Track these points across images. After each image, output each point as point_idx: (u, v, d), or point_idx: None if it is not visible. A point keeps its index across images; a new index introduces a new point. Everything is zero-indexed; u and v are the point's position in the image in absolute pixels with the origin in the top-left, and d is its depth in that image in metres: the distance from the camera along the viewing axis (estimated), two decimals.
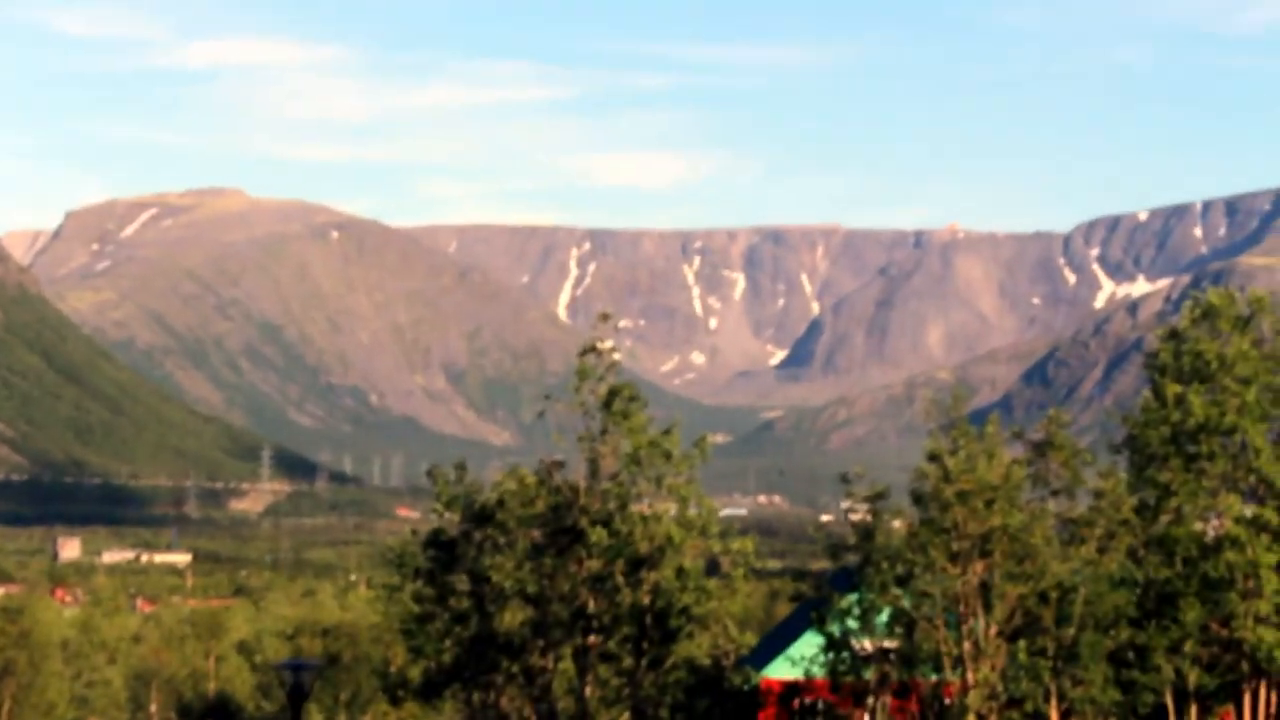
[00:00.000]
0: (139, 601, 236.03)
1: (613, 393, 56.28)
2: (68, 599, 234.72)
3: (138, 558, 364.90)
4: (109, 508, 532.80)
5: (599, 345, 56.81)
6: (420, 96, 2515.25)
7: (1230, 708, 61.61)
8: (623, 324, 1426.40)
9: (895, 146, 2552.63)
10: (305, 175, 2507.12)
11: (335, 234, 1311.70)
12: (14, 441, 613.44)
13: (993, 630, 55.86)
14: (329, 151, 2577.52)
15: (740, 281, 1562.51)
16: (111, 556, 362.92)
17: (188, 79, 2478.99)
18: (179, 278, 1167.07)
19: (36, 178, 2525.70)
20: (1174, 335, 64.22)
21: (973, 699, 55.12)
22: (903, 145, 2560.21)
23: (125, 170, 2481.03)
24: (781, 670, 63.40)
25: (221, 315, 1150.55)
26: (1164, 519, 60.82)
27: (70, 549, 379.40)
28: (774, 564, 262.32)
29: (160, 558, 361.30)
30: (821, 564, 64.14)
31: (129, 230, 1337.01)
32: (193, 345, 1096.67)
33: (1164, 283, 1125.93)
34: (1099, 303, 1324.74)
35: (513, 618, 58.79)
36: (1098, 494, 59.10)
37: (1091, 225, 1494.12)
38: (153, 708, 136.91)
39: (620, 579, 56.38)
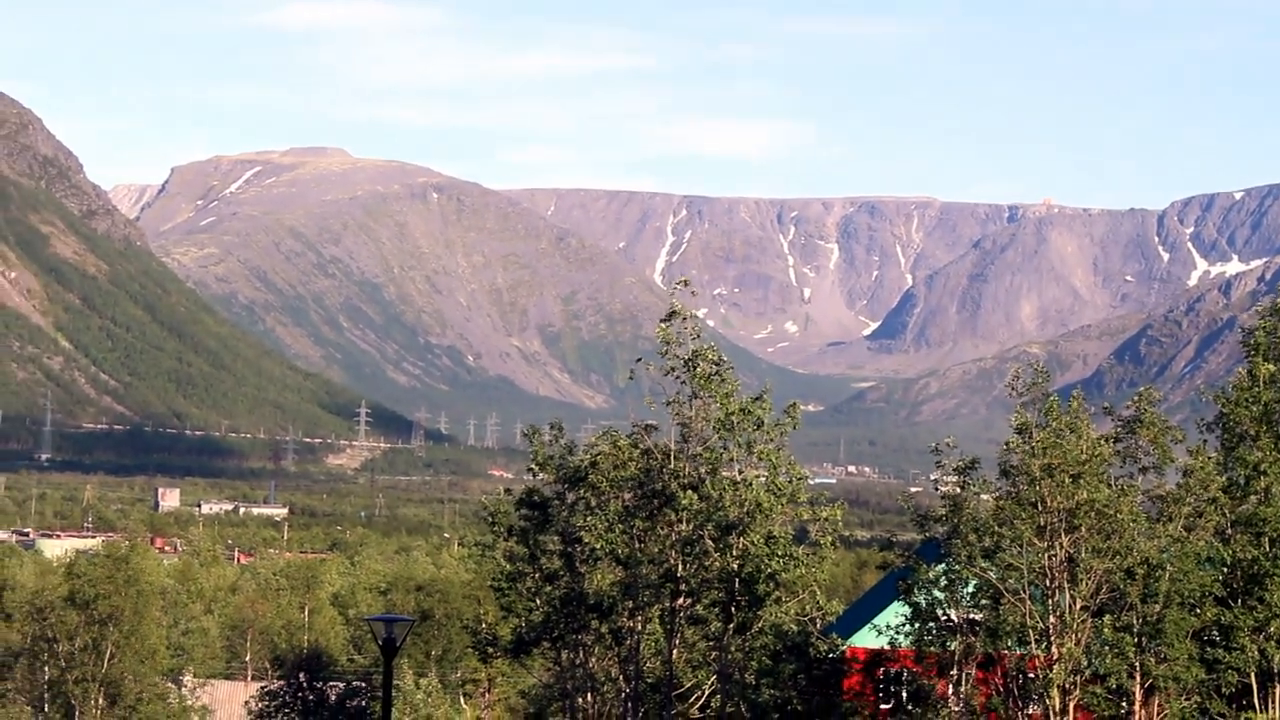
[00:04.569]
0: (236, 553, 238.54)
1: (695, 356, 56.74)
2: (167, 549, 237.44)
3: (235, 510, 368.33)
4: (208, 460, 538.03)
5: (681, 310, 57.27)
6: (519, 62, 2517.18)
7: None
8: (717, 291, 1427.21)
9: (991, 120, 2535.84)
10: (405, 137, 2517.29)
11: (435, 195, 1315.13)
12: (117, 392, 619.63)
13: (1078, 605, 56.09)
14: (428, 114, 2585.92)
15: (835, 252, 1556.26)
16: (210, 508, 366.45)
17: (289, 40, 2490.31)
18: (281, 235, 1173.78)
19: (143, 134, 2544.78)
20: (1275, 312, 64.35)
21: (1057, 673, 55.43)
22: (998, 119, 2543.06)
23: (229, 128, 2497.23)
24: (867, 639, 63.79)
25: (322, 273, 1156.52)
26: (1253, 498, 60.84)
27: (170, 499, 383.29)
28: (862, 534, 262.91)
29: (257, 510, 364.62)
30: (909, 534, 64.31)
31: (232, 187, 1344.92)
32: (293, 302, 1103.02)
33: (1258, 263, 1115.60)
34: (1192, 281, 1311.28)
35: (602, 579, 59.45)
36: (1186, 472, 59.21)
37: (1186, 203, 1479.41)
38: (248, 658, 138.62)
39: (709, 543, 56.90)
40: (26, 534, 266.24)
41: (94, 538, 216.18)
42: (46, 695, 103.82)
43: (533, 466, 61.00)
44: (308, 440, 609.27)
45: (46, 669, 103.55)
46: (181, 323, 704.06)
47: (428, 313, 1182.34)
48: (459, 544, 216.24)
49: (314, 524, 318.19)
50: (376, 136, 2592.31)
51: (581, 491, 59.07)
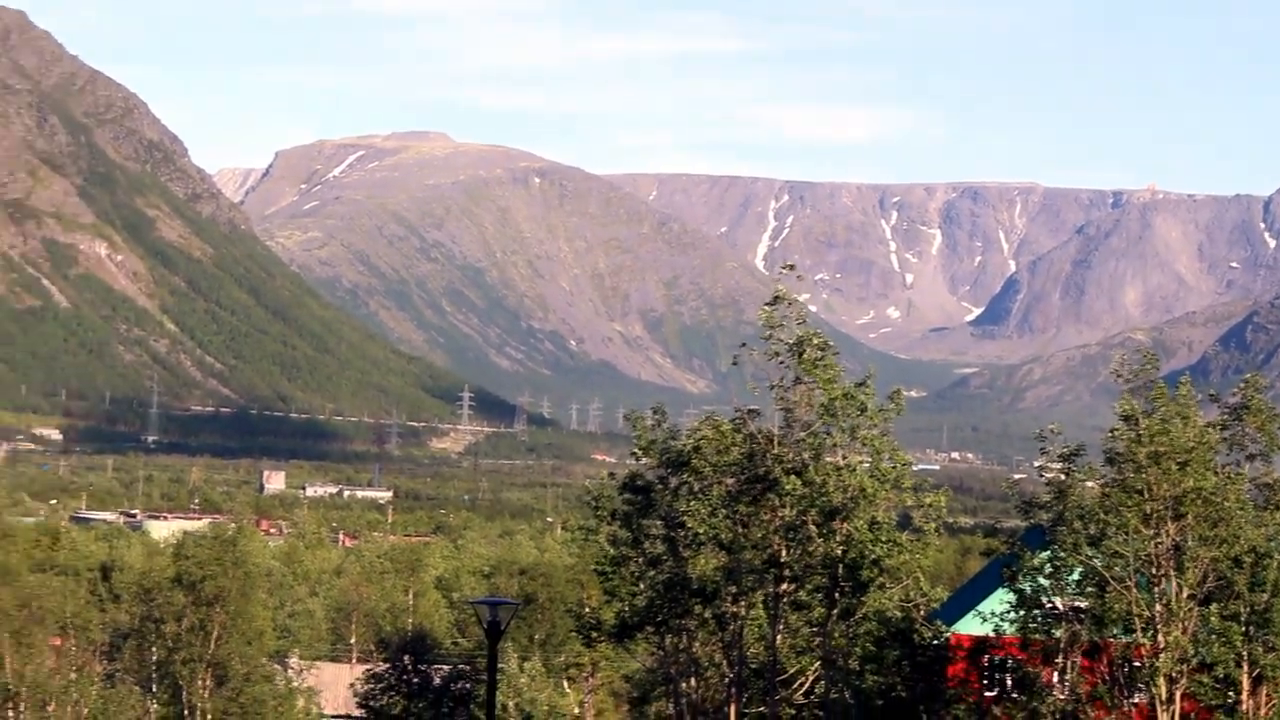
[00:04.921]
0: (341, 536, 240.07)
1: (801, 342, 56.66)
2: (272, 531, 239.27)
3: (340, 493, 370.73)
4: (313, 443, 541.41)
5: (784, 294, 57.18)
6: (621, 45, 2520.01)
7: None
8: (819, 276, 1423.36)
9: (1095, 105, 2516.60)
10: (507, 121, 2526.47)
11: (537, 180, 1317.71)
12: (222, 375, 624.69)
13: (1185, 593, 55.69)
14: (530, 98, 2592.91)
15: (937, 237, 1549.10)
16: (315, 491, 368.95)
17: (393, 23, 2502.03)
18: (384, 219, 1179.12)
19: (248, 118, 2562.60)
20: None
21: (1163, 662, 55.08)
22: (1103, 103, 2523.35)
23: (332, 112, 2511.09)
24: (971, 626, 63.55)
25: (425, 257, 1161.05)
26: None
27: (275, 482, 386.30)
28: (965, 520, 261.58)
29: (362, 494, 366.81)
30: (1012, 521, 63.91)
31: (336, 171, 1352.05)
32: (396, 286, 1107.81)
33: None
34: None
35: (706, 564, 59.41)
36: None
37: None
38: (353, 640, 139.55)
39: (813, 528, 56.84)
40: (134, 515, 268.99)
41: (200, 520, 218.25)
42: (154, 675, 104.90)
43: (636, 451, 60.99)
44: (411, 424, 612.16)
45: (154, 649, 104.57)
46: (286, 306, 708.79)
47: (530, 297, 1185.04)
48: (562, 528, 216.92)
49: (418, 507, 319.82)
50: (478, 120, 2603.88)
51: (684, 476, 59.05)
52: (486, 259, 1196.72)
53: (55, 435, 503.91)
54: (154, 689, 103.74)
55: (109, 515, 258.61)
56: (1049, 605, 57.92)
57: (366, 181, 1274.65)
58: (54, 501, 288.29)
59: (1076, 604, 57.46)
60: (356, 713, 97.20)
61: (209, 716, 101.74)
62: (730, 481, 58.07)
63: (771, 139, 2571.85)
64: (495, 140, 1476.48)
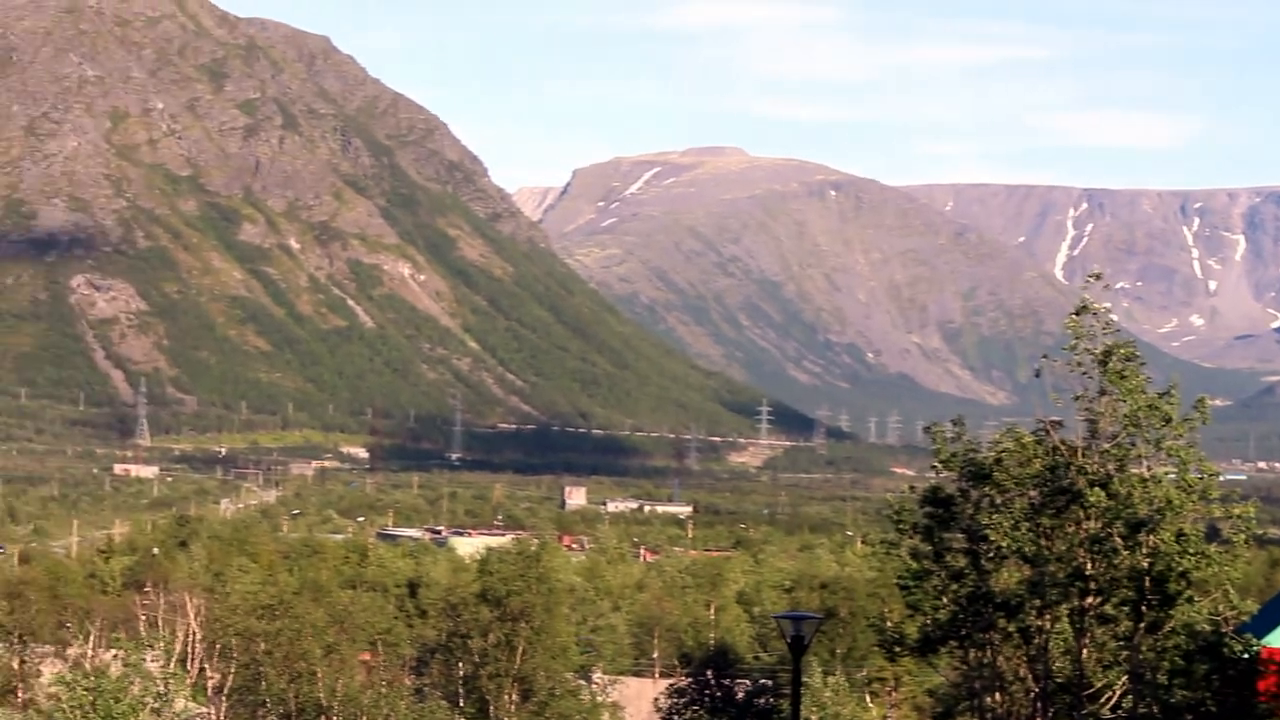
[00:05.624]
0: (642, 551, 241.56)
1: (1109, 352, 55.91)
2: (574, 546, 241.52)
3: (640, 508, 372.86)
4: (612, 458, 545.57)
5: (1090, 304, 56.44)
6: (915, 56, 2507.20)
7: None
8: (1120, 285, 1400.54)
9: None
10: (802, 134, 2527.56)
11: (833, 192, 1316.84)
12: (523, 392, 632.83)
13: None
14: (824, 111, 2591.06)
15: (1241, 243, 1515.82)
16: (615, 506, 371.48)
17: (684, 38, 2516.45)
18: (681, 234, 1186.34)
19: (545, 136, 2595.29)
20: None
21: None
22: None
23: (629, 129, 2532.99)
24: None
25: (722, 272, 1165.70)
26: None
27: (576, 497, 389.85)
28: (1275, 531, 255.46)
29: (662, 508, 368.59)
30: None
31: (633, 188, 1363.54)
32: (694, 301, 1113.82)
33: None
34: None
35: (1009, 577, 58.82)
36: None
37: None
38: (655, 655, 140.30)
39: (1118, 541, 56.02)
40: (439, 532, 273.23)
41: (503, 536, 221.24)
42: (461, 690, 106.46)
43: (936, 464, 60.59)
44: (710, 439, 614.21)
45: (461, 665, 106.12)
46: (585, 323, 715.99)
47: (827, 310, 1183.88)
48: (862, 541, 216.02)
49: (717, 522, 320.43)
50: (774, 134, 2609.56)
51: (986, 489, 58.53)
52: (783, 273, 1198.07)
53: (362, 453, 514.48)
54: (461, 703, 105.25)
55: (415, 532, 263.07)
56: None
57: (663, 197, 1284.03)
58: (361, 519, 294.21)
59: None
60: None
61: None
62: (1033, 494, 57.43)
63: (1070, 146, 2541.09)
64: (791, 153, 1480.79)
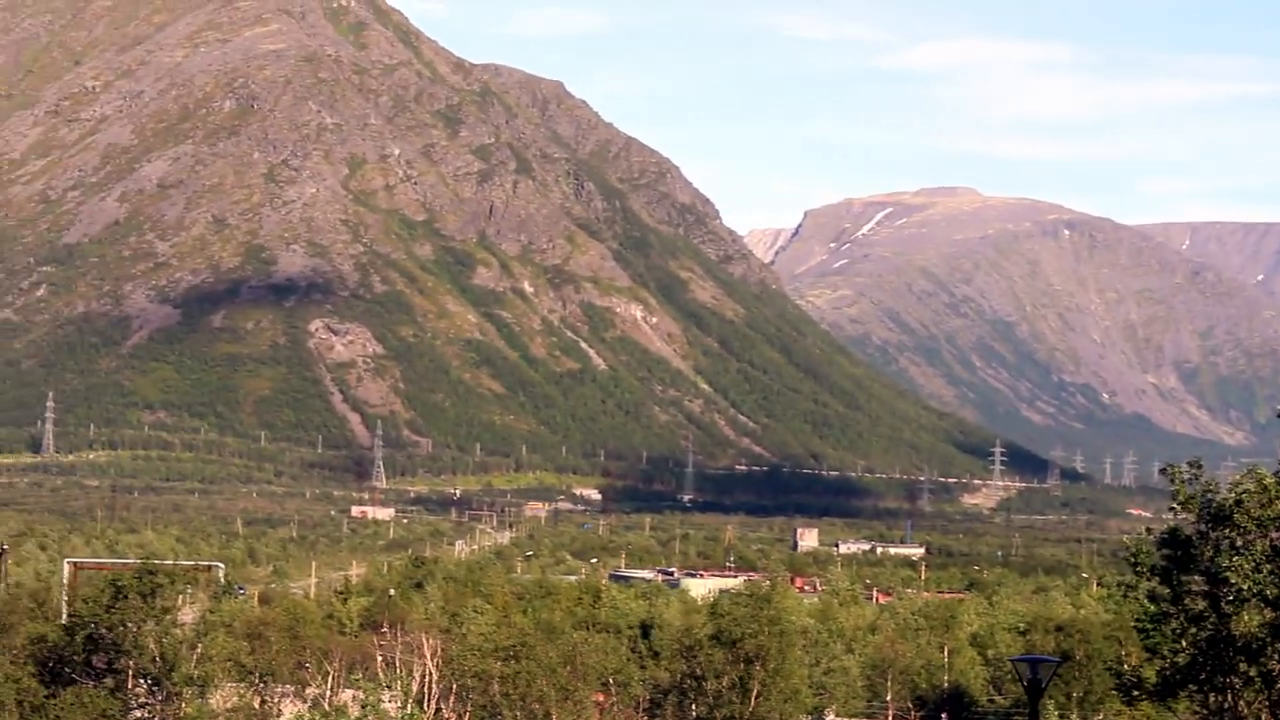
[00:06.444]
0: (874, 592, 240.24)
1: None
2: (806, 588, 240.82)
3: (872, 549, 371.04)
4: (844, 500, 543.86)
5: None
6: (1145, 93, 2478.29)
7: None
8: None
9: None
10: (1034, 173, 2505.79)
11: (1066, 231, 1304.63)
12: (755, 434, 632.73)
13: None
14: (1056, 149, 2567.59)
15: None
16: (847, 547, 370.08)
17: (915, 79, 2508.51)
18: (913, 275, 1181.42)
19: (777, 178, 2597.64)
20: None
21: None
22: None
23: (860, 170, 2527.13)
24: None
25: (954, 312, 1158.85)
26: None
27: (808, 539, 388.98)
28: None
29: (894, 550, 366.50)
30: None
31: (864, 229, 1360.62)
32: (926, 341, 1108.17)
33: None
34: None
35: (1250, 620, 57.79)
36: None
37: None
38: (889, 697, 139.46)
39: None
40: (671, 573, 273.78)
41: (735, 577, 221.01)
42: None
43: (1174, 505, 59.71)
44: (942, 479, 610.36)
45: (695, 707, 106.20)
46: (817, 364, 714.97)
47: (1061, 350, 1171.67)
48: (1098, 583, 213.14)
49: (950, 563, 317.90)
50: (1005, 173, 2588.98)
51: (1225, 531, 57.57)
52: (1016, 312, 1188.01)
53: (594, 495, 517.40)
54: None
55: (647, 573, 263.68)
56: None
57: (895, 238, 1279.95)
58: (594, 560, 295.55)
59: None
60: None
61: None
62: (1275, 536, 56.46)
63: None
64: (1024, 193, 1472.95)
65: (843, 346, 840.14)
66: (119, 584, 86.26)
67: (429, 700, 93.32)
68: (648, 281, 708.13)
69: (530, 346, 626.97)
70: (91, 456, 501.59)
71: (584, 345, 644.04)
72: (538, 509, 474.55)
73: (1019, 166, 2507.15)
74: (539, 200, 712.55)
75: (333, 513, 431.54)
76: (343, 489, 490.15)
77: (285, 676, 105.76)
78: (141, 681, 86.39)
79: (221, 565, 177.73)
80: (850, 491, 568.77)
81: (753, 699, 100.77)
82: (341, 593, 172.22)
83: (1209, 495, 58.55)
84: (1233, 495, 57.45)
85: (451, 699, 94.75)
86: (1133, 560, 61.35)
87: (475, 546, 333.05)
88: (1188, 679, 59.02)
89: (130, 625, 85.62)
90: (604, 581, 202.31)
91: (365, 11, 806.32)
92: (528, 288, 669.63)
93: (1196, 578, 58.69)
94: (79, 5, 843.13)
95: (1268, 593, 55.79)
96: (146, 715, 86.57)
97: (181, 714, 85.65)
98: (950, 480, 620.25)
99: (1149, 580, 60.21)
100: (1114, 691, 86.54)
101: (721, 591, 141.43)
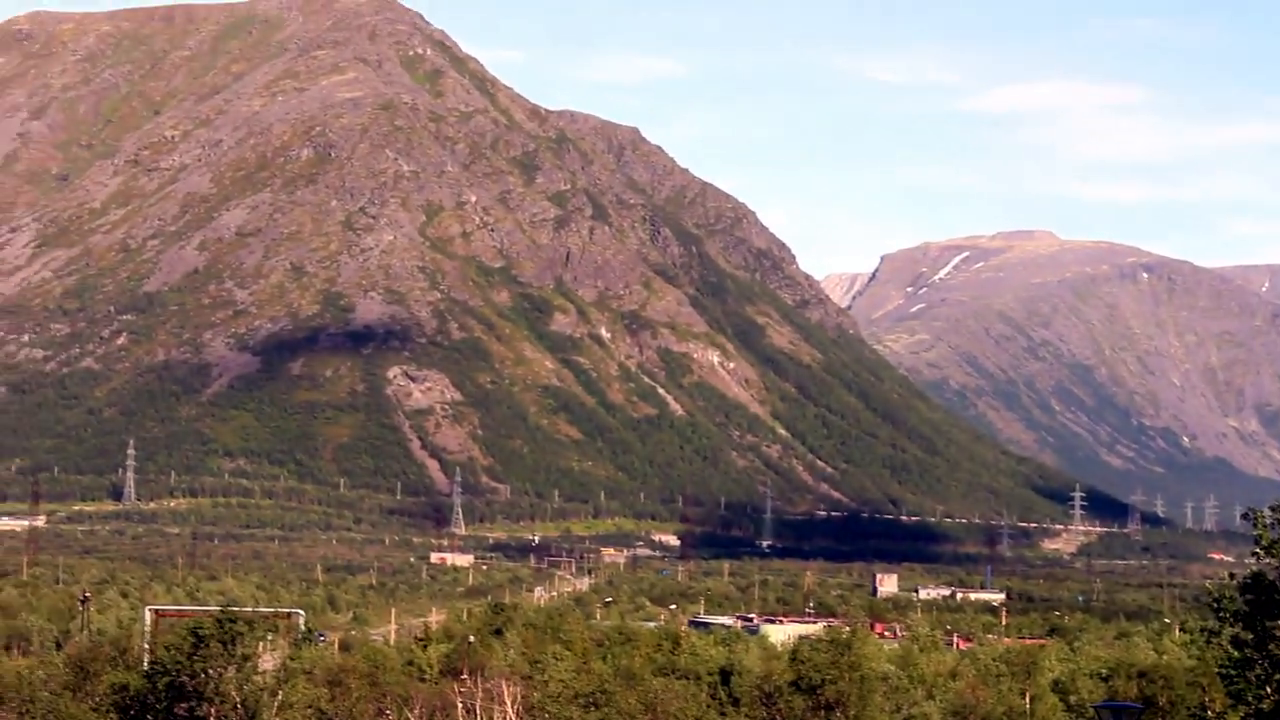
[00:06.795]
0: (955, 638, 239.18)
1: None
2: (886, 634, 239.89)
3: (952, 595, 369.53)
4: (923, 545, 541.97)
5: None
6: (1223, 134, 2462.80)
7: None
8: None
9: None
10: (1112, 216, 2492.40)
11: (1144, 275, 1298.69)
12: (833, 479, 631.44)
13: None
14: (1134, 192, 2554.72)
15: None
16: (926, 593, 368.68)
17: (992, 122, 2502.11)
18: (990, 319, 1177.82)
19: (853, 222, 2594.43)
20: None
21: None
22: None
23: (937, 214, 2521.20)
24: None
25: (1032, 356, 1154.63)
26: None
27: (888, 584, 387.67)
28: None
29: (974, 596, 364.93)
30: None
31: (941, 273, 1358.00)
32: (1004, 386, 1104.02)
33: None
34: None
35: None
36: None
37: None
38: None
39: None
40: (750, 619, 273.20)
41: (815, 623, 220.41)
42: None
43: (1257, 550, 59.38)
44: (1022, 524, 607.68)
45: None
46: (894, 409, 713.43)
47: (1140, 394, 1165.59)
48: (1180, 629, 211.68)
49: (1031, 609, 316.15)
50: (1083, 216, 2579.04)
51: None
52: (1095, 356, 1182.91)
53: (673, 541, 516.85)
54: None
55: (726, 619, 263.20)
56: None
57: (972, 282, 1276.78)
58: (673, 606, 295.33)
59: None
60: None
61: None
62: None
63: None
64: (1101, 236, 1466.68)
65: (920, 391, 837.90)
66: (200, 631, 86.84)
67: None
68: (724, 327, 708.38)
69: (608, 392, 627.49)
70: (172, 504, 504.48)
71: (661, 391, 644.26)
72: (616, 555, 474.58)
73: (1097, 209, 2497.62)
74: (615, 246, 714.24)
75: (412, 559, 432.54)
76: (421, 535, 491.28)
77: None
78: None
79: (301, 612, 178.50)
80: (929, 537, 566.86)
81: None
82: (421, 639, 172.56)
83: None
84: None
85: None
86: (1215, 605, 61.00)
87: (554, 593, 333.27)
88: None
89: (211, 673, 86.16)
90: (683, 628, 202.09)
91: (441, 59, 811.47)
92: (605, 333, 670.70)
93: None
94: (158, 56, 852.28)
95: None
96: None
97: None
98: (1030, 525, 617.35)
99: (1232, 626, 59.87)
100: None
101: (801, 637, 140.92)
